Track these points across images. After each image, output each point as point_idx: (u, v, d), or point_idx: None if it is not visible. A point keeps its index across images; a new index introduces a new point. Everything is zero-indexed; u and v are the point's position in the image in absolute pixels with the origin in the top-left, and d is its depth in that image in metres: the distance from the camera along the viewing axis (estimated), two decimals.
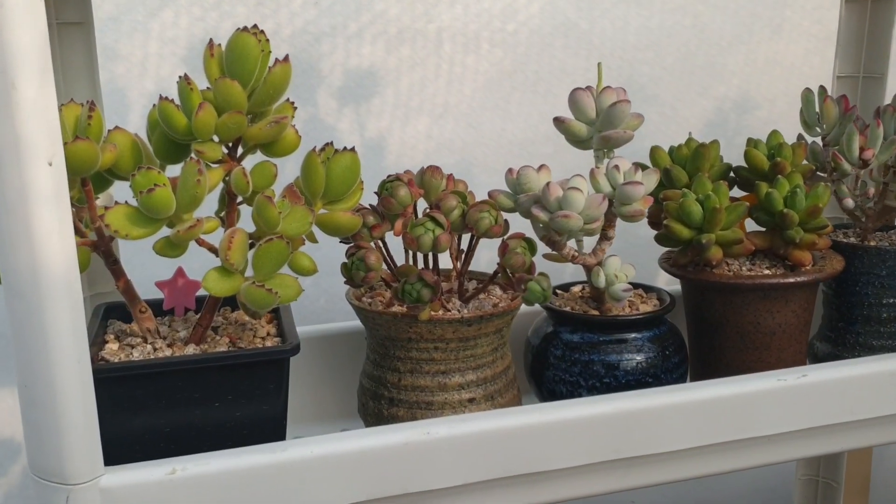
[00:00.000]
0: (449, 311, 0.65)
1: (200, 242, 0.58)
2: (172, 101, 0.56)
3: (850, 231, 0.80)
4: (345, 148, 0.61)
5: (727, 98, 1.24)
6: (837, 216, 0.86)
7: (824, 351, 0.78)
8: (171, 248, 0.55)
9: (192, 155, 0.55)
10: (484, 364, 0.65)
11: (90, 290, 0.72)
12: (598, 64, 0.69)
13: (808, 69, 1.23)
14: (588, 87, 0.68)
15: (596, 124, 0.67)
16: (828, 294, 0.78)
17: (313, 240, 0.62)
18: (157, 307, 0.66)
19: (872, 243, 0.74)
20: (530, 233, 0.66)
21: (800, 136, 0.80)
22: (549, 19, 1.13)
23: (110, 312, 0.66)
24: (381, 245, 0.67)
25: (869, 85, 0.87)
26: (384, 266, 0.65)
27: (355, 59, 1.08)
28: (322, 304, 1.07)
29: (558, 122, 0.68)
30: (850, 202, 0.74)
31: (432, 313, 0.62)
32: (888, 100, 0.79)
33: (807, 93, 0.78)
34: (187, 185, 0.53)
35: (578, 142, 0.69)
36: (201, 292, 0.64)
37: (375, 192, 0.66)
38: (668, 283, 0.97)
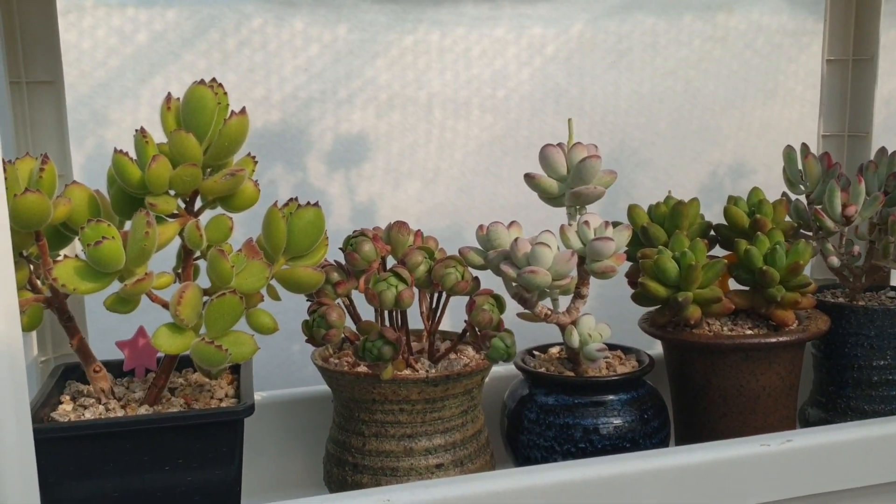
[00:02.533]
0: (416, 371, 0.63)
1: (153, 298, 0.56)
2: (127, 154, 0.56)
3: (838, 291, 0.78)
4: (308, 203, 0.60)
5: (721, 163, 1.23)
6: (829, 277, 0.84)
7: (816, 417, 0.74)
8: (121, 303, 0.54)
9: (145, 208, 0.54)
10: (452, 427, 0.62)
11: (55, 352, 0.71)
12: (569, 120, 0.68)
13: (804, 133, 1.22)
14: (559, 144, 0.67)
15: (567, 180, 0.66)
16: (817, 357, 0.75)
17: (275, 296, 0.61)
18: (118, 367, 0.64)
19: (861, 303, 0.72)
20: (505, 293, 0.64)
21: (784, 195, 0.78)
22: (540, 85, 1.13)
23: (69, 373, 0.64)
24: (347, 303, 0.65)
25: (854, 144, 0.85)
26: (349, 324, 0.63)
27: (346, 125, 1.08)
28: (297, 359, 1.04)
29: (529, 178, 0.67)
30: (835, 260, 0.72)
31: (397, 373, 0.59)
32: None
33: (789, 150, 0.77)
34: (136, 238, 0.52)
35: (551, 198, 0.67)
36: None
37: (340, 248, 0.64)
38: (653, 345, 0.94)
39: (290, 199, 0.61)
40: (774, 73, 1.22)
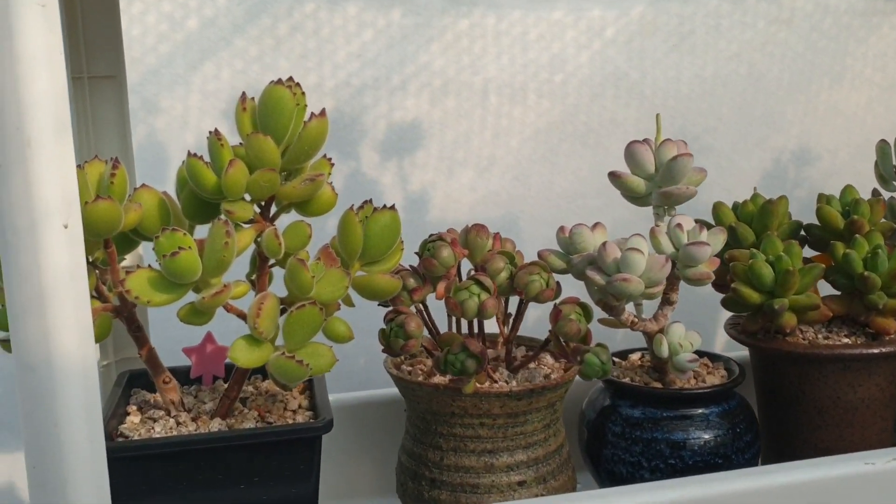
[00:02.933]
0: (496, 382, 0.60)
1: (229, 308, 0.54)
2: (202, 157, 0.53)
3: None
4: (384, 206, 0.57)
5: (786, 149, 1.18)
6: None
7: None
8: (196, 315, 0.51)
9: (221, 215, 0.51)
10: (535, 442, 0.59)
11: (116, 356, 0.69)
12: (657, 116, 0.64)
13: (872, 119, 1.17)
14: (645, 140, 0.63)
15: (655, 179, 0.62)
16: None
17: (349, 304, 0.58)
18: (184, 374, 0.62)
19: None
20: (582, 294, 0.61)
21: (875, 192, 0.74)
22: (599, 70, 1.09)
23: (135, 381, 0.62)
24: (422, 309, 0.62)
25: None
26: (425, 332, 0.60)
27: (399, 112, 1.05)
28: (362, 364, 1.02)
29: (614, 177, 0.63)
30: None
31: (478, 386, 0.56)
32: None
33: (882, 145, 0.72)
34: (214, 248, 0.49)
35: (635, 198, 0.64)
36: None
37: (416, 253, 0.61)
38: (728, 348, 0.90)
39: (365, 202, 0.58)
40: (842, 55, 1.17)
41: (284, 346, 0.52)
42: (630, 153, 0.62)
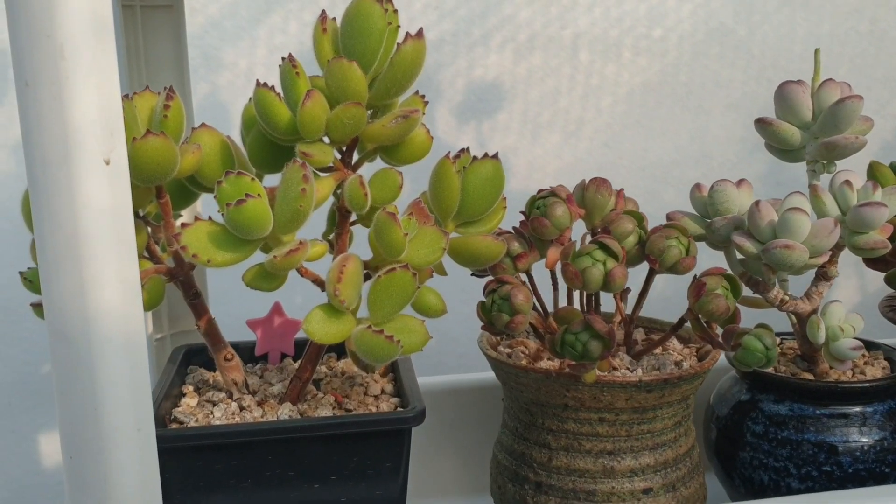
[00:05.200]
0: (616, 369, 0.50)
1: (303, 272, 0.45)
2: (273, 88, 0.43)
3: None
4: (486, 155, 0.48)
5: None
6: None
7: None
8: (265, 278, 0.42)
9: (297, 158, 0.41)
10: (664, 443, 0.49)
11: (171, 328, 0.60)
12: (816, 51, 0.53)
13: None
14: (800, 81, 0.52)
15: (813, 128, 0.51)
16: None
17: (442, 272, 0.49)
18: (248, 351, 0.53)
19: None
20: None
21: None
22: (702, 24, 0.98)
23: (192, 357, 0.54)
24: (526, 280, 0.52)
25: None
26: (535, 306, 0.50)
27: (479, 70, 0.95)
28: (431, 346, 0.93)
29: (763, 124, 0.52)
30: None
31: (599, 374, 0.46)
32: None
33: None
34: (289, 197, 0.40)
35: (786, 151, 0.53)
36: (302, 334, 0.51)
37: (522, 212, 0.51)
38: (875, 332, 0.79)
39: (462, 150, 0.48)
40: None
41: (369, 318, 0.43)
42: (783, 96, 0.51)
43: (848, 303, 0.90)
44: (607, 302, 0.52)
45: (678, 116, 0.98)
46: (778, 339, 0.59)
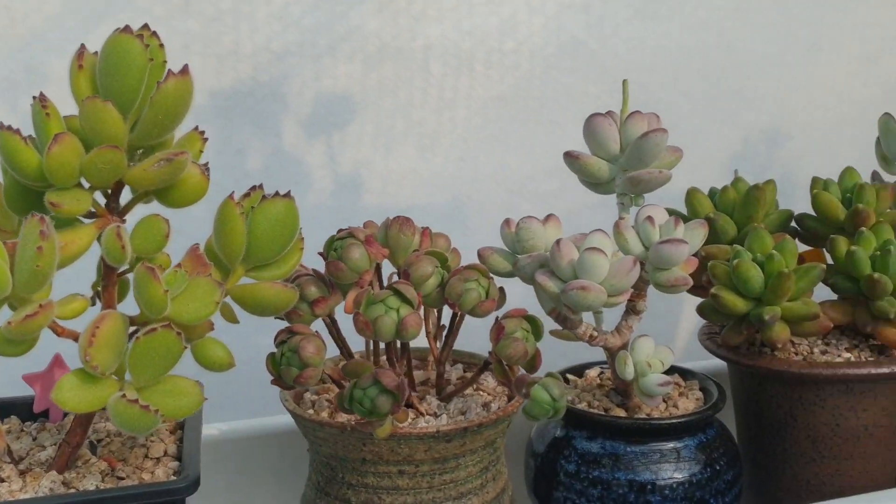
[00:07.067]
0: (422, 414, 0.47)
1: (59, 332, 0.40)
2: (19, 132, 0.39)
3: None
4: (276, 193, 0.44)
5: (755, 127, 1.08)
6: None
7: None
8: (8, 344, 0.37)
9: (40, 210, 0.37)
10: (469, 491, 0.47)
11: None
12: (624, 82, 0.52)
13: (848, 92, 1.08)
14: (609, 113, 0.51)
15: (620, 161, 0.50)
16: None
17: (231, 319, 0.45)
18: (27, 408, 0.49)
19: None
20: (533, 300, 0.49)
21: (874, 175, 0.63)
22: (554, 37, 0.98)
23: None
24: (328, 322, 0.49)
25: None
26: (332, 354, 0.47)
27: (328, 81, 0.91)
28: (267, 375, 0.90)
29: (571, 158, 0.51)
30: None
31: (396, 425, 0.44)
32: None
33: (886, 119, 0.61)
34: (26, 257, 0.36)
35: (596, 184, 0.52)
36: None
37: (320, 253, 0.48)
38: (689, 354, 0.80)
39: (253, 188, 0.45)
40: (819, 24, 1.07)
41: (133, 381, 0.39)
42: (590, 129, 0.50)
43: (672, 328, 0.92)
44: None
45: (531, 130, 0.97)
46: (598, 370, 0.58)
